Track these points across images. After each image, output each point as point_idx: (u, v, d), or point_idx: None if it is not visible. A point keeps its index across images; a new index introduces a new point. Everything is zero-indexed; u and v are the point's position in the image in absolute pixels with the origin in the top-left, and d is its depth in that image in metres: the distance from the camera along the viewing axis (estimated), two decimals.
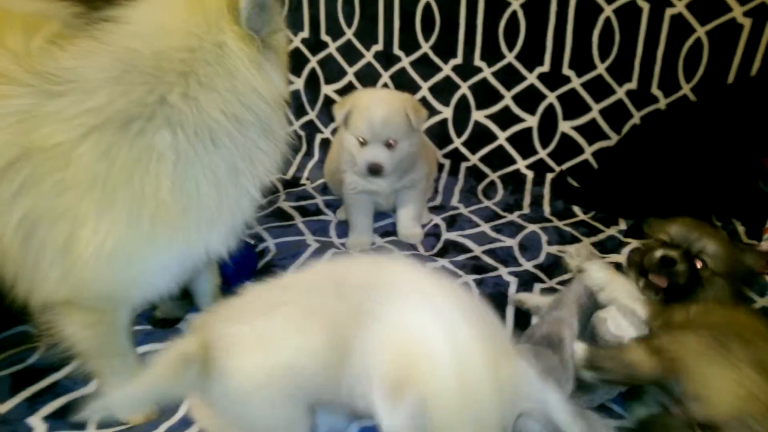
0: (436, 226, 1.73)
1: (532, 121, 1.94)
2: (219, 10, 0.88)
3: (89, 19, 1.09)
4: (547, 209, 1.81)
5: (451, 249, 1.61)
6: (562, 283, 1.42)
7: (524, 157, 1.96)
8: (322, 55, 2.10)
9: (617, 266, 1.46)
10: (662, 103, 1.84)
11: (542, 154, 1.94)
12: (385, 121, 1.46)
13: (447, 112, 2.01)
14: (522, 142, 1.96)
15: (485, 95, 1.96)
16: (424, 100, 2.00)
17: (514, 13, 1.86)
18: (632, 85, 1.85)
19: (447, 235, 1.67)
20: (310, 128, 2.14)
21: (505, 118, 1.96)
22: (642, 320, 1.06)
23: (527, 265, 1.51)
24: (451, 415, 0.69)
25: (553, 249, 1.58)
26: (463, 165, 2.00)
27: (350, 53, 2.07)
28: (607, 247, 1.59)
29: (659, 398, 0.96)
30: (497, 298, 1.36)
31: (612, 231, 1.66)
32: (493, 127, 1.98)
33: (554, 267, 1.50)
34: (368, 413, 0.75)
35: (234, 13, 0.87)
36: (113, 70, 0.85)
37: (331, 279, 0.86)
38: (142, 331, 1.28)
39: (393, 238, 1.68)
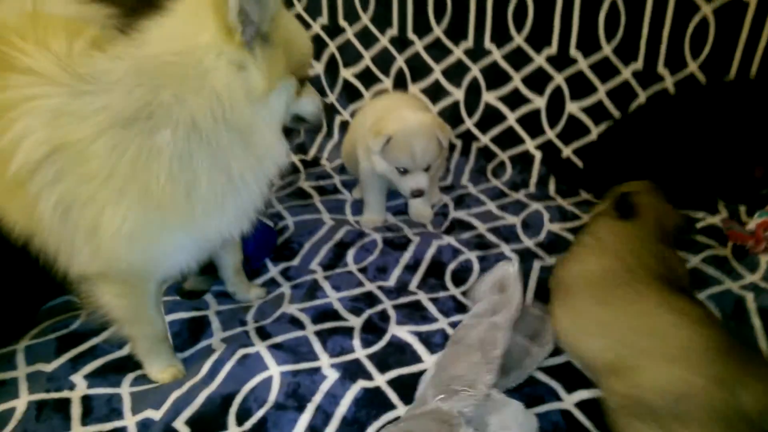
0: (445, 205, 1.82)
1: (540, 102, 1.99)
2: (207, 8, 0.91)
3: (123, 23, 1.21)
4: (552, 188, 1.87)
5: (457, 227, 1.70)
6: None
7: (533, 137, 2.01)
8: (340, 40, 2.18)
9: None
10: (669, 81, 1.86)
11: (550, 134, 1.99)
12: (424, 152, 1.56)
13: (458, 94, 2.07)
14: (531, 122, 2.01)
15: (495, 77, 2.01)
16: (436, 83, 2.08)
17: None
18: (638, 65, 1.87)
19: (455, 214, 1.76)
20: (330, 111, 2.24)
21: (514, 100, 2.01)
22: None
23: (528, 243, 1.59)
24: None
25: (555, 227, 1.65)
26: (474, 145, 2.07)
27: (367, 38, 2.14)
28: None
29: None
30: None
31: None
32: (503, 108, 2.03)
33: (554, 245, 1.57)
34: None
35: (221, 9, 0.89)
36: (125, 73, 0.94)
37: None
38: (171, 301, 1.41)
39: (405, 217, 1.78)
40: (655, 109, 1.83)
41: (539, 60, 1.96)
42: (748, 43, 1.74)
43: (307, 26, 2.20)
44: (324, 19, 2.18)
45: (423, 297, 1.38)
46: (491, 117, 2.04)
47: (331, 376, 1.14)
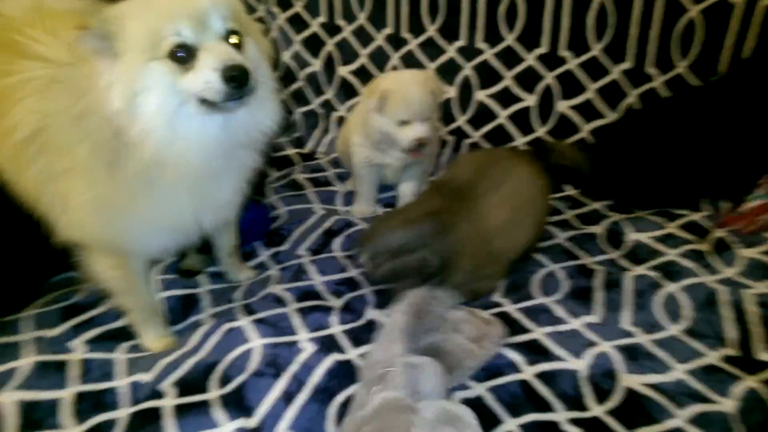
0: None
1: (531, 100, 2.05)
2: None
3: None
4: None
5: None
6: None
7: (524, 134, 2.07)
8: (337, 38, 2.26)
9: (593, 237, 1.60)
10: (658, 81, 1.91)
11: (540, 131, 2.04)
12: (421, 100, 1.59)
13: (452, 92, 2.14)
14: (521, 120, 2.07)
15: (487, 76, 2.08)
16: None
17: None
18: (627, 64, 1.93)
19: None
20: (327, 107, 2.32)
21: (505, 98, 2.07)
22: None
23: None
24: None
25: None
26: (466, 141, 2.13)
27: (363, 36, 2.22)
28: (590, 218, 1.70)
29: None
30: None
31: (596, 205, 1.77)
32: (495, 106, 2.10)
33: None
34: None
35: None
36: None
37: None
38: (168, 279, 1.50)
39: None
40: (650, 113, 1.86)
41: (530, 59, 2.03)
42: (736, 44, 1.79)
43: (306, 25, 2.29)
44: (322, 18, 2.27)
45: None
46: (483, 114, 2.11)
47: (308, 349, 1.21)
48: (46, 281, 1.53)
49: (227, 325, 1.27)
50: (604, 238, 1.58)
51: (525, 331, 1.23)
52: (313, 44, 2.30)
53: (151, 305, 1.31)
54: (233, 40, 1.01)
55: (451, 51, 2.11)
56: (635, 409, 1.03)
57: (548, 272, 1.44)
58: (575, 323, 1.25)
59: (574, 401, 1.05)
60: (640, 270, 1.41)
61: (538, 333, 1.22)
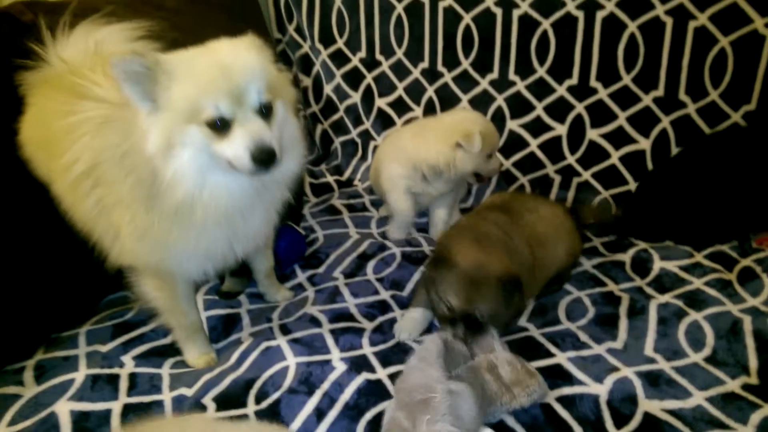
0: None
1: (561, 129, 2.09)
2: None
3: None
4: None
5: None
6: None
7: (553, 162, 2.11)
8: (376, 72, 2.37)
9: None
10: (691, 108, 1.93)
11: (570, 159, 2.09)
12: (498, 135, 1.82)
13: None
14: (552, 148, 2.12)
15: (519, 106, 2.14)
16: None
17: (545, 32, 2.03)
18: (659, 92, 1.96)
19: None
20: (365, 136, 2.42)
21: (536, 127, 2.13)
22: None
23: None
24: None
25: None
26: None
27: (400, 70, 2.33)
28: (618, 246, 1.72)
29: None
30: None
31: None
32: (526, 135, 2.15)
33: None
34: None
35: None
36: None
37: None
38: (210, 300, 1.60)
39: (425, 234, 1.92)
40: (689, 159, 1.87)
41: (561, 90, 2.08)
42: (767, 74, 1.80)
43: (347, 60, 2.40)
44: (363, 53, 2.38)
45: None
46: (514, 143, 2.17)
47: (340, 367, 1.28)
48: (100, 300, 1.66)
49: (265, 344, 1.36)
50: (630, 266, 1.60)
51: (549, 355, 1.27)
52: (354, 78, 2.41)
53: (194, 324, 1.40)
54: (265, 105, 1.10)
55: (484, 83, 2.18)
56: None
57: (574, 298, 1.48)
58: (599, 349, 1.28)
59: (594, 425, 1.08)
60: (666, 298, 1.43)
61: (562, 358, 1.26)
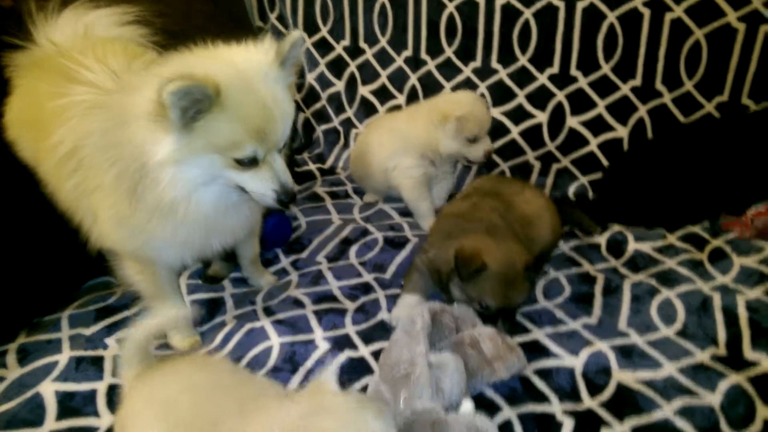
0: None
1: (542, 117, 2.13)
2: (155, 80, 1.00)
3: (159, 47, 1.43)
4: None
5: None
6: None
7: (534, 149, 2.15)
8: (360, 60, 2.39)
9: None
10: (667, 98, 1.98)
11: (550, 146, 2.12)
12: (487, 118, 1.83)
13: None
14: (532, 136, 2.15)
15: (501, 94, 2.17)
16: None
17: (526, 21, 2.06)
18: (636, 82, 2.00)
19: None
20: (348, 124, 2.44)
21: (518, 115, 2.16)
22: None
23: None
24: None
25: None
26: None
27: (384, 58, 2.34)
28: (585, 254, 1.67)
29: None
30: None
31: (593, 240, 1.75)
32: (507, 123, 2.18)
33: None
34: None
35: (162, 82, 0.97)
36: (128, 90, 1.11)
37: None
38: (193, 284, 1.61)
39: (409, 219, 1.94)
40: (661, 143, 1.91)
41: (542, 78, 2.11)
42: (739, 66, 1.86)
43: (331, 48, 2.42)
44: (346, 41, 2.39)
45: None
46: (496, 131, 2.18)
47: (323, 346, 1.30)
48: (82, 285, 1.66)
49: (249, 325, 1.38)
50: (606, 248, 1.65)
51: (526, 331, 1.31)
52: (337, 66, 2.42)
53: (177, 308, 1.40)
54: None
55: (467, 71, 2.21)
56: (626, 401, 1.10)
57: (551, 279, 1.52)
58: (574, 325, 1.32)
59: (570, 395, 1.12)
60: (639, 277, 1.48)
61: (539, 333, 1.29)
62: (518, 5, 2.06)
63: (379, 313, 1.43)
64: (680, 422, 1.04)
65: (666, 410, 1.06)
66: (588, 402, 1.10)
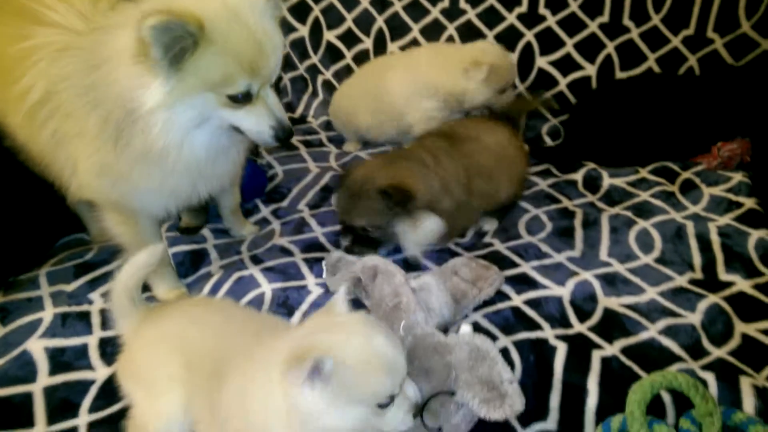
0: None
1: (512, 57, 2.13)
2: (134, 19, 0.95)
3: None
4: None
5: None
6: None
7: None
8: (323, 4, 2.31)
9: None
10: (634, 33, 2.01)
11: (520, 87, 2.13)
12: (515, 70, 1.86)
13: None
14: None
15: (469, 35, 2.15)
16: (414, 40, 2.21)
17: None
18: (604, 18, 2.02)
19: None
20: (313, 71, 2.37)
21: None
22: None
23: None
24: None
25: None
26: None
27: (348, 1, 2.27)
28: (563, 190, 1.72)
29: None
30: None
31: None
32: None
33: None
34: None
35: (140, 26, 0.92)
36: (103, 32, 1.05)
37: None
38: (172, 237, 1.58)
39: None
40: (625, 85, 1.98)
41: (511, 18, 2.11)
42: (704, 0, 1.91)
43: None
44: None
45: None
46: None
47: (316, 291, 1.31)
48: (55, 242, 1.61)
49: (237, 274, 1.37)
50: (582, 184, 1.70)
51: (515, 265, 1.35)
52: (300, 10, 2.34)
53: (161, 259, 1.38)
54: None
55: (435, 12, 2.18)
56: (613, 325, 1.16)
57: (532, 216, 1.55)
58: (559, 257, 1.37)
59: (560, 321, 1.17)
60: (616, 210, 1.53)
61: (526, 267, 1.34)
62: None
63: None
64: (666, 341, 1.10)
65: (651, 331, 1.13)
66: (578, 327, 1.15)
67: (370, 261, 1.23)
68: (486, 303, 1.22)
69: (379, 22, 2.25)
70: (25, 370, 1.17)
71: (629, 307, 1.20)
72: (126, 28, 0.98)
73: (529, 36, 2.10)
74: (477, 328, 1.15)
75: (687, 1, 1.92)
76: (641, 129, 1.78)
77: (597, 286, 1.25)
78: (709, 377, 1.02)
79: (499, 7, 2.11)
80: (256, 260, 1.44)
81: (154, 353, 0.99)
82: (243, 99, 1.06)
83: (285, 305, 1.27)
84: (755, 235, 1.35)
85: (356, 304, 1.24)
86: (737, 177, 1.56)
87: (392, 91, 1.91)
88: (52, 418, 1.09)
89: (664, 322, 1.15)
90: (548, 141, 2.03)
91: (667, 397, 0.98)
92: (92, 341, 1.24)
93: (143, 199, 1.23)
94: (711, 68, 1.94)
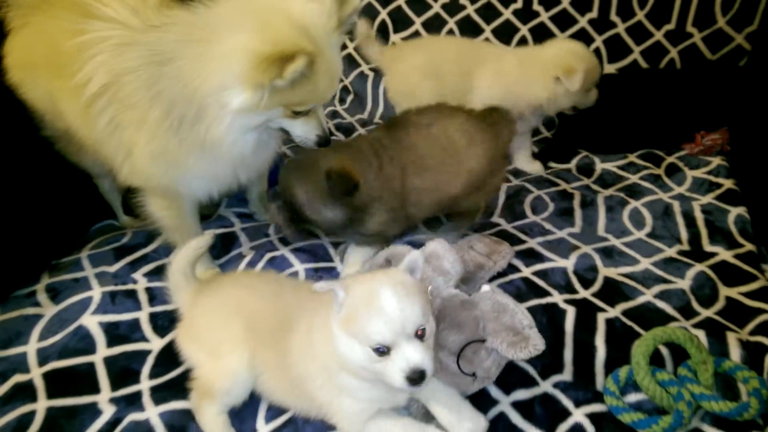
0: None
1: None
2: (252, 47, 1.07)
3: None
4: None
5: None
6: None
7: None
8: None
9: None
10: (621, 28, 2.16)
11: None
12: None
13: None
14: None
15: (468, 29, 2.28)
16: (417, 33, 2.33)
17: None
18: (593, 14, 2.17)
19: None
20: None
21: None
22: None
23: None
24: None
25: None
26: None
27: None
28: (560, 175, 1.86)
29: None
30: None
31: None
32: None
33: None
34: None
35: (262, 65, 1.05)
36: (175, 28, 1.14)
37: None
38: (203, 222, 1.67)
39: None
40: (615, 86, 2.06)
41: (507, 14, 2.24)
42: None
43: None
44: None
45: None
46: None
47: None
48: (89, 228, 1.71)
49: (269, 255, 1.49)
50: (576, 170, 1.86)
51: (521, 242, 1.49)
52: None
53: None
54: None
55: (436, 6, 2.31)
56: (614, 291, 1.32)
57: (536, 196, 1.71)
58: (561, 234, 1.52)
59: (567, 288, 1.33)
60: (609, 192, 1.70)
61: (532, 243, 1.49)
62: None
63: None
64: (660, 303, 1.27)
65: (647, 295, 1.29)
66: (583, 293, 1.31)
67: (385, 252, 1.31)
68: (498, 274, 1.37)
69: (383, 14, 2.36)
70: (84, 342, 1.27)
71: (626, 275, 1.36)
72: (222, 36, 1.10)
73: (524, 30, 2.23)
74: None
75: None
76: (630, 119, 1.93)
77: (597, 258, 1.41)
78: (700, 333, 1.18)
79: (496, 3, 2.24)
80: (285, 242, 1.55)
81: (214, 319, 1.12)
82: (304, 113, 1.20)
83: None
84: (734, 211, 1.53)
85: None
86: (716, 161, 1.73)
87: (478, 94, 1.83)
88: (116, 384, 1.19)
89: (657, 288, 1.31)
90: (543, 131, 2.17)
91: (665, 351, 1.14)
92: (143, 316, 1.35)
93: (191, 184, 1.33)
94: (691, 62, 2.10)
